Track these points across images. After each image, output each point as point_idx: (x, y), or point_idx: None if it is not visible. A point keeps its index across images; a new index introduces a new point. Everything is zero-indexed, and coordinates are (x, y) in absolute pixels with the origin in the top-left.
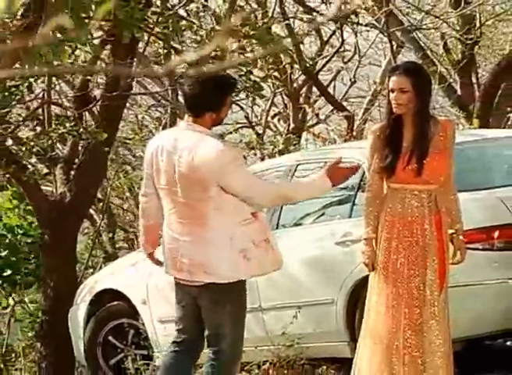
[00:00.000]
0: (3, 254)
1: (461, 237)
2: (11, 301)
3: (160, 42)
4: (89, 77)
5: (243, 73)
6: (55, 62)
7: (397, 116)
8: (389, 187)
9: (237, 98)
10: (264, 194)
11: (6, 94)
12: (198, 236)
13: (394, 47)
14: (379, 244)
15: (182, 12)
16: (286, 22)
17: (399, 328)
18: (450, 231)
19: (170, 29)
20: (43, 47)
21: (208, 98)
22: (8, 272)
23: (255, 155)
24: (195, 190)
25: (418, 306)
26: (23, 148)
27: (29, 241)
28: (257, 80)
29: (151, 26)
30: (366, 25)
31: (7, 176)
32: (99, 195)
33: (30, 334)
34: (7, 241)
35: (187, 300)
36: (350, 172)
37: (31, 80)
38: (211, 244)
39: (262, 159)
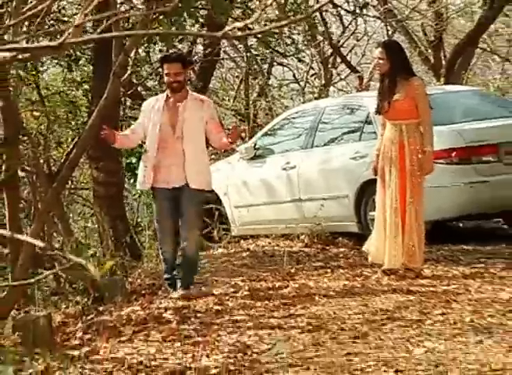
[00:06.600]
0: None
1: (426, 156)
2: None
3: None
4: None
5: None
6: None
7: (384, 74)
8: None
9: (286, 62)
10: None
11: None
12: None
13: (390, 32)
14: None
15: None
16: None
17: (387, 209)
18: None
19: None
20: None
21: None
22: (133, 160)
23: (299, 100)
24: None
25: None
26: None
27: None
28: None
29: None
30: (373, 17)
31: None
32: None
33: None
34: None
35: None
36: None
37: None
38: None
39: (303, 103)
